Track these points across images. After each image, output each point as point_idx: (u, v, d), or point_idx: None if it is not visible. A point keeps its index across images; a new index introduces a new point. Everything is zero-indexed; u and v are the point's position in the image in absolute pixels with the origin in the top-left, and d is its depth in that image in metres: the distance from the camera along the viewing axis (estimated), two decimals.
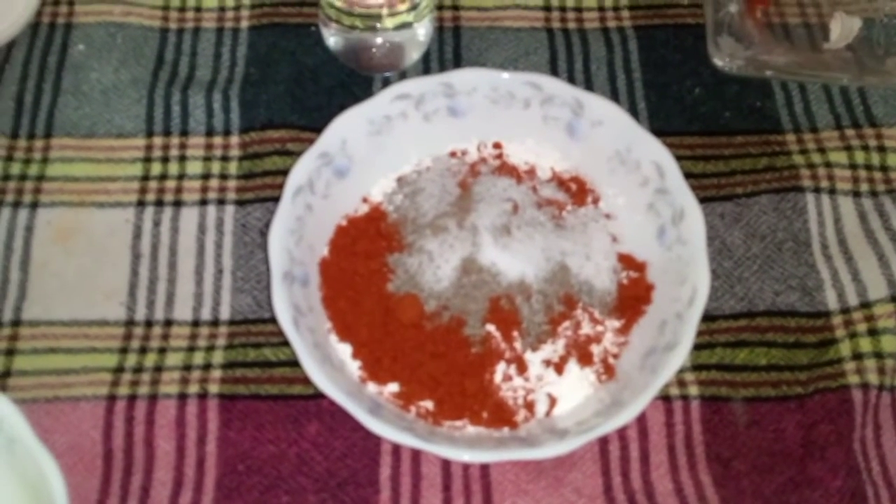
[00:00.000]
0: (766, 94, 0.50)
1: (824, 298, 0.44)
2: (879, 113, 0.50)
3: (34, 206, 0.45)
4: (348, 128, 0.42)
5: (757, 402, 0.42)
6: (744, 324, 0.43)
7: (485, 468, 0.39)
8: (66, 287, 0.43)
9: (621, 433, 0.40)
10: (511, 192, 0.42)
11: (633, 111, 0.49)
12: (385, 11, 0.47)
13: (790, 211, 0.46)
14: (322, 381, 0.36)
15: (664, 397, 0.41)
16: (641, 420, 0.41)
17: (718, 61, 0.50)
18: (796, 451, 0.40)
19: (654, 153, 0.42)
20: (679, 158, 0.45)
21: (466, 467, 0.39)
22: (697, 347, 0.42)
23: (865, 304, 0.44)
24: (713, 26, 0.50)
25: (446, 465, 0.40)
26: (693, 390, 0.42)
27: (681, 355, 0.37)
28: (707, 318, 0.43)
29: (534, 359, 0.40)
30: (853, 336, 0.43)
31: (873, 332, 0.43)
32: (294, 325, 0.37)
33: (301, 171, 0.41)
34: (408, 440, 0.35)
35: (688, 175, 0.46)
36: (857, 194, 0.47)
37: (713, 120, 0.49)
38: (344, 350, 0.40)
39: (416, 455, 0.40)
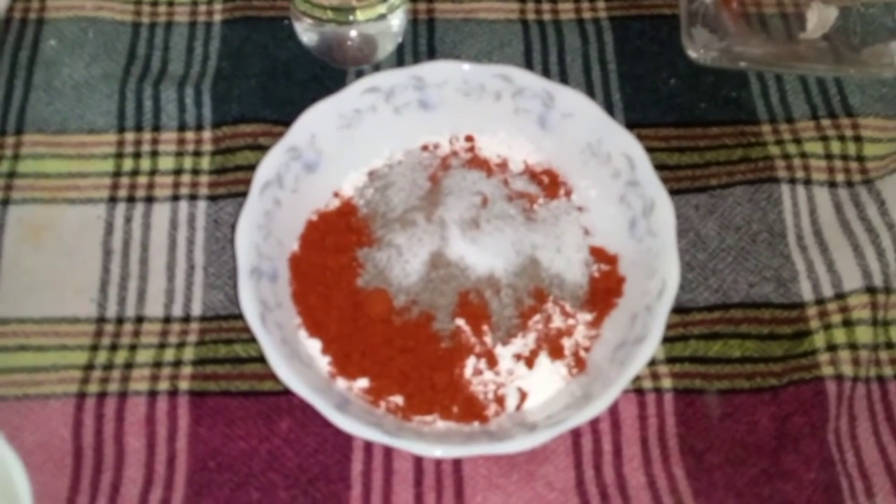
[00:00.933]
0: (741, 85, 0.50)
1: (799, 290, 0.44)
2: (856, 103, 0.49)
3: (5, 203, 0.45)
4: (317, 121, 0.42)
5: (731, 395, 0.41)
6: (718, 316, 0.43)
7: (457, 463, 0.39)
8: (37, 284, 0.43)
9: (594, 426, 0.40)
10: (481, 185, 0.42)
11: (609, 103, 0.49)
12: (358, 4, 0.46)
13: (765, 202, 0.46)
14: (289, 376, 0.36)
15: (637, 390, 0.41)
16: (614, 413, 0.40)
17: (692, 53, 0.49)
18: (770, 443, 0.40)
19: (625, 145, 0.42)
20: (654, 150, 0.45)
21: (438, 462, 0.39)
22: (671, 340, 0.42)
23: (840, 296, 0.43)
24: (687, 17, 0.50)
25: (418, 460, 0.39)
26: (666, 383, 0.41)
27: (650, 348, 0.37)
28: (681, 310, 0.43)
29: (504, 353, 0.40)
30: (828, 327, 0.43)
31: (848, 323, 0.43)
32: (261, 321, 0.37)
33: (269, 165, 0.41)
34: (376, 436, 0.35)
35: (662, 167, 0.46)
36: (832, 185, 0.47)
37: (688, 111, 0.49)
38: (314, 346, 0.40)
39: (388, 450, 0.39)
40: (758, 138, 0.48)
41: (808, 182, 0.47)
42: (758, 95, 0.50)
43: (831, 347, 0.42)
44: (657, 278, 0.39)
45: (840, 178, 0.47)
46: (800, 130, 0.48)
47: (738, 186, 0.46)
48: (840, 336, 0.42)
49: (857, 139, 0.48)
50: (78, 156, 0.46)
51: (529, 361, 0.40)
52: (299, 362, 0.38)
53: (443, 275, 0.39)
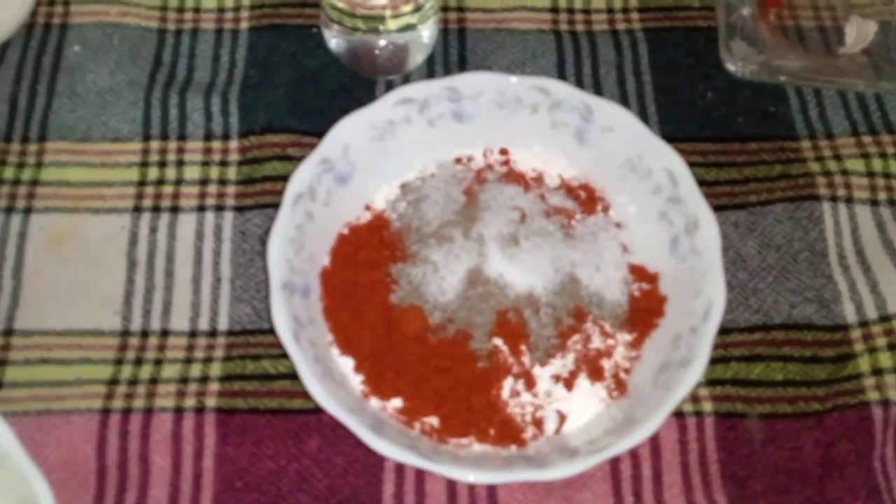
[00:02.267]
0: (780, 99, 0.49)
1: (842, 311, 0.43)
2: None
3: (27, 211, 0.44)
4: (350, 133, 0.41)
5: (773, 419, 0.40)
6: (759, 337, 0.42)
7: (491, 487, 0.38)
8: (60, 295, 0.42)
9: (633, 451, 0.39)
10: (518, 200, 0.41)
11: (644, 116, 0.48)
12: (388, 13, 0.45)
13: (806, 220, 0.45)
14: (323, 396, 0.35)
15: (677, 414, 0.40)
16: (654, 438, 0.39)
17: (731, 66, 0.48)
18: (814, 470, 0.39)
19: (667, 160, 0.41)
20: (690, 165, 0.44)
21: (472, 486, 0.38)
22: (711, 361, 0.41)
23: (885, 318, 0.42)
24: (725, 30, 0.49)
25: (451, 484, 0.38)
26: (707, 406, 0.40)
27: (697, 371, 0.36)
28: (721, 331, 0.42)
29: (542, 374, 0.38)
30: (872, 350, 0.41)
31: (893, 347, 0.41)
32: (294, 338, 0.36)
33: (301, 177, 0.40)
34: (412, 459, 0.34)
35: (700, 182, 0.44)
36: (874, 203, 0.46)
37: (726, 125, 0.48)
38: (346, 364, 0.39)
39: (421, 472, 0.38)
40: (797, 154, 0.47)
41: (849, 200, 0.46)
42: (796, 110, 0.48)
43: (877, 371, 0.41)
44: (702, 298, 0.38)
45: (882, 196, 0.46)
46: (840, 147, 0.47)
47: (778, 203, 0.45)
48: (886, 360, 0.41)
49: None
50: (102, 164, 0.46)
51: (568, 383, 0.38)
52: (332, 381, 0.36)
53: (481, 292, 0.38)
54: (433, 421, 0.37)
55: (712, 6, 0.51)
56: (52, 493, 0.33)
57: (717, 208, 0.45)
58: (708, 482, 0.39)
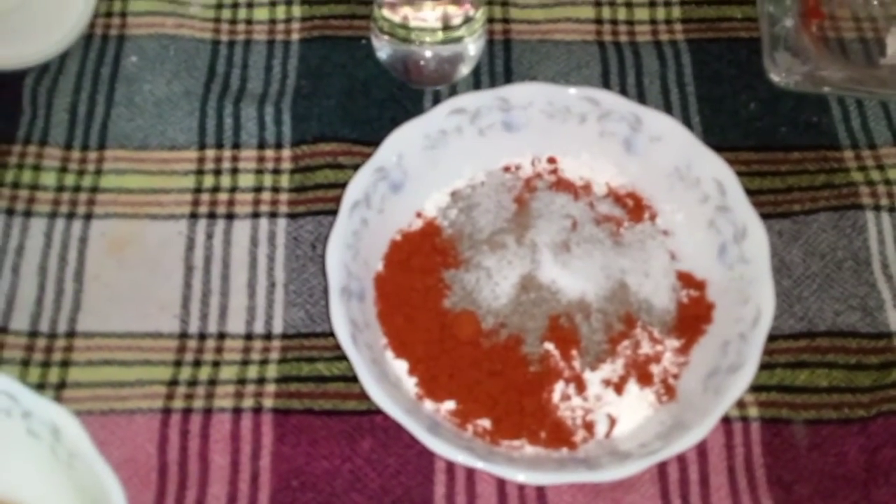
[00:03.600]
0: (822, 110, 0.49)
1: (886, 319, 0.43)
2: None
3: (88, 217, 0.45)
4: (404, 142, 0.42)
5: (818, 425, 0.41)
6: (804, 344, 0.43)
7: (541, 489, 0.39)
8: (120, 298, 0.43)
9: (680, 455, 0.40)
10: (569, 208, 0.41)
11: (688, 125, 0.48)
12: (439, 24, 0.46)
13: (849, 229, 0.45)
14: (381, 398, 0.36)
15: (724, 419, 0.40)
16: (701, 442, 0.40)
17: (775, 77, 0.49)
18: (860, 475, 0.39)
19: (715, 170, 0.41)
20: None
21: (522, 487, 0.39)
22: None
23: None
24: (769, 41, 0.49)
25: (501, 485, 0.39)
26: (753, 412, 0.41)
27: (746, 377, 0.37)
28: (767, 337, 0.42)
29: (593, 378, 0.39)
30: None
31: None
32: (352, 341, 0.37)
33: (358, 185, 0.41)
34: (467, 459, 0.35)
35: (753, 192, 0.45)
36: None
37: (769, 135, 0.48)
38: (400, 367, 0.40)
39: (471, 474, 0.39)
40: (840, 164, 0.48)
41: (892, 209, 0.46)
42: (839, 121, 0.49)
43: None
44: (751, 305, 0.38)
45: None
46: (882, 157, 0.48)
47: (821, 213, 0.46)
48: None
49: None
50: (160, 172, 0.47)
51: (618, 387, 0.39)
52: (388, 383, 0.37)
53: (534, 298, 0.39)
54: (486, 423, 0.38)
55: (755, 17, 0.52)
56: (122, 489, 0.34)
57: (761, 217, 0.45)
58: (754, 486, 0.39)
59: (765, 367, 0.42)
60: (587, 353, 0.39)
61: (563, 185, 0.43)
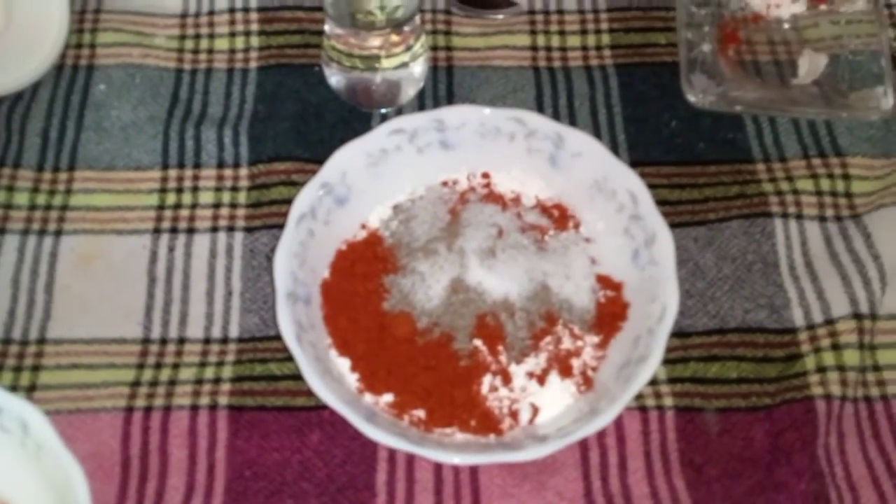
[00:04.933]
0: (738, 127, 0.53)
1: (791, 316, 0.47)
2: (845, 143, 0.53)
3: (58, 233, 0.49)
4: (348, 160, 0.46)
5: (728, 413, 0.45)
6: (716, 340, 0.46)
7: (474, 473, 0.42)
8: (88, 308, 0.47)
9: (600, 441, 0.43)
10: (496, 218, 0.45)
11: (614, 143, 0.53)
12: (383, 53, 0.50)
13: (759, 235, 0.50)
14: (322, 391, 0.40)
15: (641, 408, 0.44)
16: (620, 429, 0.44)
17: (691, 97, 0.53)
18: (764, 457, 0.43)
19: (629, 182, 0.45)
20: (656, 187, 0.49)
21: (457, 473, 0.43)
22: (672, 361, 0.46)
23: (829, 321, 0.47)
24: (686, 64, 0.54)
25: (438, 470, 0.43)
26: (668, 401, 0.45)
27: (652, 367, 0.40)
28: (681, 334, 0.46)
29: (518, 371, 0.43)
30: (818, 351, 0.46)
31: (836, 347, 0.46)
32: (297, 340, 0.41)
33: (304, 199, 0.45)
34: (401, 445, 0.39)
35: (664, 202, 0.49)
36: (822, 219, 0.50)
37: (688, 151, 0.52)
38: (343, 364, 0.43)
39: (410, 462, 0.43)
40: (753, 176, 0.52)
41: (799, 217, 0.50)
42: (753, 136, 0.53)
43: (821, 369, 0.45)
44: (658, 303, 0.42)
45: (829, 212, 0.51)
46: (792, 169, 0.52)
47: (734, 220, 0.50)
48: (829, 359, 0.45)
49: (846, 177, 0.52)
50: (125, 190, 0.50)
51: (541, 379, 0.43)
52: (331, 378, 0.41)
53: (462, 299, 0.43)
54: (420, 413, 0.42)
55: (677, 43, 0.56)
56: (85, 477, 0.37)
57: (679, 225, 0.49)
58: (668, 468, 0.43)
59: (679, 360, 0.46)
60: (512, 348, 0.43)
61: (493, 197, 0.47)
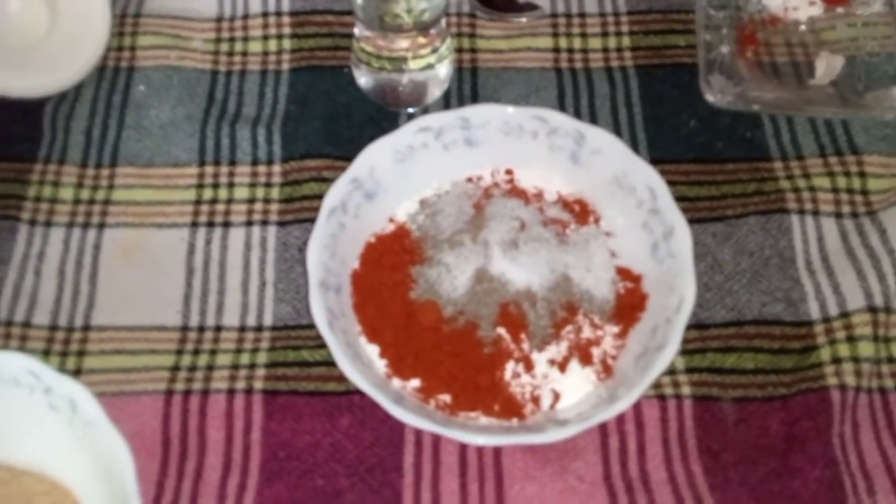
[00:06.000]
0: (756, 126, 0.55)
1: (807, 309, 0.48)
2: (861, 142, 0.54)
3: (101, 226, 0.51)
4: (376, 156, 0.48)
5: (744, 402, 0.46)
6: (733, 331, 0.48)
7: (497, 456, 0.44)
8: (129, 297, 0.49)
9: (620, 427, 0.45)
10: (519, 211, 0.47)
11: (634, 142, 0.54)
12: (410, 55, 0.52)
13: (776, 231, 0.51)
14: (353, 375, 0.42)
15: (660, 396, 0.46)
16: (639, 416, 0.45)
17: (710, 97, 0.55)
18: (779, 444, 0.44)
19: (648, 178, 0.47)
20: (675, 183, 0.50)
21: (481, 455, 0.44)
22: (690, 352, 0.47)
23: (845, 314, 0.48)
24: (705, 65, 0.55)
25: (463, 453, 0.44)
26: (686, 390, 0.46)
27: (669, 355, 0.42)
28: (699, 326, 0.48)
29: (539, 358, 0.45)
30: (833, 342, 0.47)
31: (851, 339, 0.47)
32: (329, 327, 0.43)
33: (335, 194, 0.47)
34: (428, 426, 0.40)
35: (683, 198, 0.51)
36: (839, 216, 0.51)
37: (707, 149, 0.54)
38: (372, 350, 0.45)
39: (436, 444, 0.44)
40: (770, 174, 0.53)
41: (816, 213, 0.51)
42: (770, 135, 0.55)
43: (836, 360, 0.46)
44: (676, 294, 0.44)
45: (846, 209, 0.52)
46: (809, 167, 0.53)
47: (751, 217, 0.51)
48: (844, 350, 0.47)
49: (862, 175, 0.53)
50: (164, 186, 0.53)
51: (562, 366, 0.45)
52: (361, 364, 0.43)
53: (486, 288, 0.45)
54: (446, 398, 0.44)
55: (696, 45, 0.58)
56: (131, 453, 0.39)
57: (698, 220, 0.51)
58: (686, 454, 0.44)
59: (697, 351, 0.47)
60: (534, 336, 0.45)
61: (516, 192, 0.49)
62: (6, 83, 0.53)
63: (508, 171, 0.50)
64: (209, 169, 0.53)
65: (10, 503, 0.41)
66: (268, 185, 0.53)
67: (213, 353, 0.47)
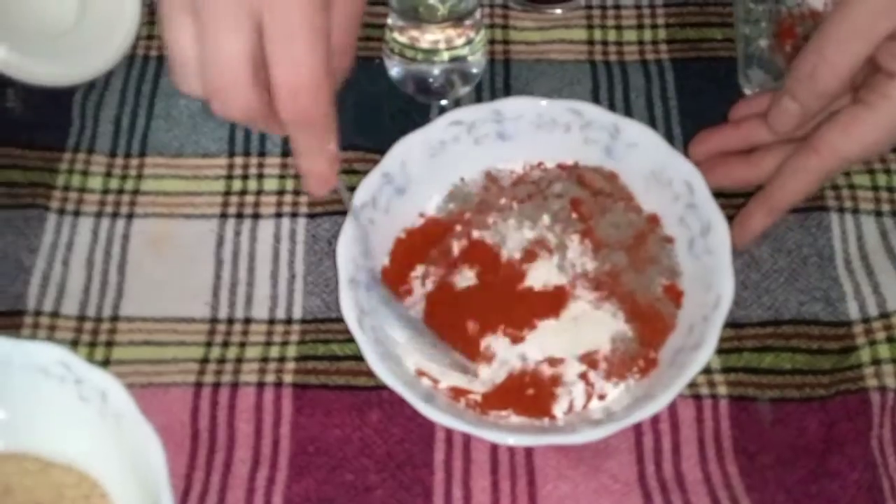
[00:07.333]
0: None
1: (846, 309, 0.47)
2: None
3: (130, 217, 0.51)
4: (407, 151, 0.47)
5: (782, 403, 0.45)
6: (770, 331, 0.47)
7: (529, 455, 0.44)
8: (158, 288, 0.49)
9: (655, 427, 0.44)
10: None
11: (670, 136, 0.53)
12: (443, 46, 0.52)
13: (815, 228, 0.50)
14: (383, 372, 0.41)
15: (695, 396, 0.45)
16: (674, 415, 0.44)
17: (749, 91, 0.54)
18: (818, 446, 0.44)
19: (685, 171, 0.46)
20: None
21: (512, 454, 0.44)
22: (727, 351, 0.46)
23: (885, 315, 0.47)
24: (744, 59, 0.54)
25: (494, 451, 0.44)
26: (722, 390, 0.45)
27: (706, 354, 0.41)
28: (736, 325, 0.47)
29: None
30: (873, 343, 0.46)
31: (891, 340, 0.46)
32: (359, 324, 0.42)
33: (365, 189, 0.46)
34: (458, 425, 0.40)
35: (719, 194, 0.49)
36: (878, 214, 0.50)
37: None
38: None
39: (468, 442, 0.44)
40: None
41: (855, 211, 0.50)
42: None
43: (876, 362, 0.45)
44: (713, 292, 0.43)
45: (886, 207, 0.51)
46: None
47: (790, 214, 0.50)
48: (884, 352, 0.46)
49: None
50: (193, 176, 0.52)
51: (595, 364, 0.44)
52: (391, 361, 0.42)
53: None
54: (476, 397, 0.43)
55: (733, 38, 0.57)
56: (161, 445, 0.39)
57: (735, 217, 0.50)
58: (721, 455, 0.44)
59: (734, 350, 0.46)
60: None
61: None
62: (36, 71, 0.52)
63: (540, 165, 0.50)
64: (239, 160, 0.53)
65: (38, 494, 0.41)
66: (297, 176, 0.52)
67: (242, 345, 0.47)
